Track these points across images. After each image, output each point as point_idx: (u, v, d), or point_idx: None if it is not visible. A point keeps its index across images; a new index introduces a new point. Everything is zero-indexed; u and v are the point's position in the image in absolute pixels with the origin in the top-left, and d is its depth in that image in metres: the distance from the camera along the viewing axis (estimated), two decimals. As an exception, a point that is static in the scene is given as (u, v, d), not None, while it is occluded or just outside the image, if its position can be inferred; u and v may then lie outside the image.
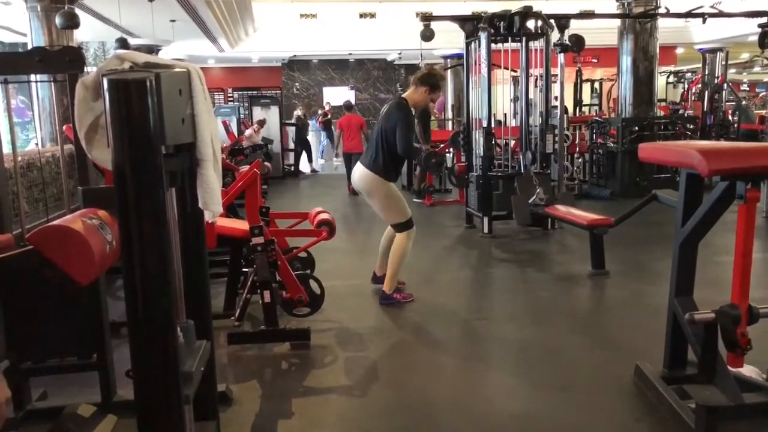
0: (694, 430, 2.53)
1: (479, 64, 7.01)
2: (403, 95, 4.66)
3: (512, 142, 7.76)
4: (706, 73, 13.15)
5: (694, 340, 2.80)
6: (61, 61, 3.07)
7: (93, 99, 1.78)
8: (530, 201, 6.45)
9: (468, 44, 7.36)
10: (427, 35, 8.30)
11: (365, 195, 4.60)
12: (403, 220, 4.48)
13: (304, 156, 13.94)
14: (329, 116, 16.33)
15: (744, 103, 12.80)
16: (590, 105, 14.49)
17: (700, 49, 13.71)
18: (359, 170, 4.55)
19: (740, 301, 2.62)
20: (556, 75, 7.67)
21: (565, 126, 8.35)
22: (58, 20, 7.03)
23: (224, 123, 11.97)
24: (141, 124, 1.52)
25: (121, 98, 1.51)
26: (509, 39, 7.08)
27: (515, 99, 7.92)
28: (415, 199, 9.24)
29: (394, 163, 4.52)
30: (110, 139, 1.54)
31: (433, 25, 8.21)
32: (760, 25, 8.89)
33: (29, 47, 7.53)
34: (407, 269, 5.17)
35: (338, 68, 20.78)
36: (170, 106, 1.61)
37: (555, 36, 7.30)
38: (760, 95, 15.86)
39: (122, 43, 9.31)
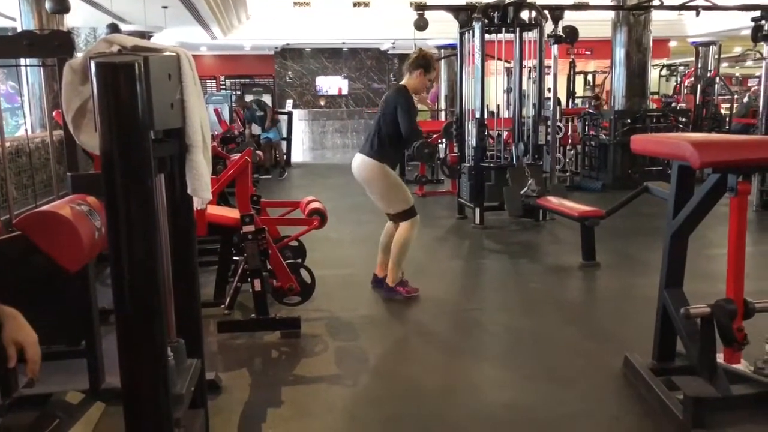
0: (682, 420, 2.54)
1: (473, 55, 6.99)
2: (401, 83, 4.51)
3: (505, 134, 7.75)
4: (699, 66, 13.15)
5: (683, 333, 2.80)
6: (49, 46, 3.04)
7: (81, 83, 1.76)
8: (522, 192, 6.44)
9: (462, 34, 7.33)
10: (421, 25, 8.26)
11: (365, 184, 4.45)
12: (406, 207, 4.34)
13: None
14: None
15: (747, 97, 12.81)
16: (583, 97, 14.49)
17: (693, 42, 13.71)
18: (358, 159, 4.41)
19: (735, 295, 2.62)
20: (550, 66, 7.66)
21: (557, 118, 8.35)
22: (48, 5, 6.94)
23: (216, 111, 11.88)
24: (129, 109, 1.49)
25: (108, 82, 1.48)
26: (503, 29, 7.06)
27: (508, 90, 7.91)
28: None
29: (393, 149, 4.39)
30: (98, 124, 1.52)
31: (427, 14, 8.17)
32: (753, 19, 8.89)
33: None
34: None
35: (331, 57, 20.65)
36: (159, 91, 1.59)
37: (549, 27, 7.28)
38: (753, 89, 15.90)
39: (113, 29, 9.20)
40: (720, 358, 2.68)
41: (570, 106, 12.68)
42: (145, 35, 11.79)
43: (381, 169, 4.31)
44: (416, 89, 4.43)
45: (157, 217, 1.65)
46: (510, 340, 3.74)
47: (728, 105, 12.90)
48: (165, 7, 11.11)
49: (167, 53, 1.76)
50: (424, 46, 12.32)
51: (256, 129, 12.29)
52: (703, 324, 2.62)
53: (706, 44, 12.95)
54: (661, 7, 8.92)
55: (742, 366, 2.78)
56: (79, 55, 1.91)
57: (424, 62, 4.39)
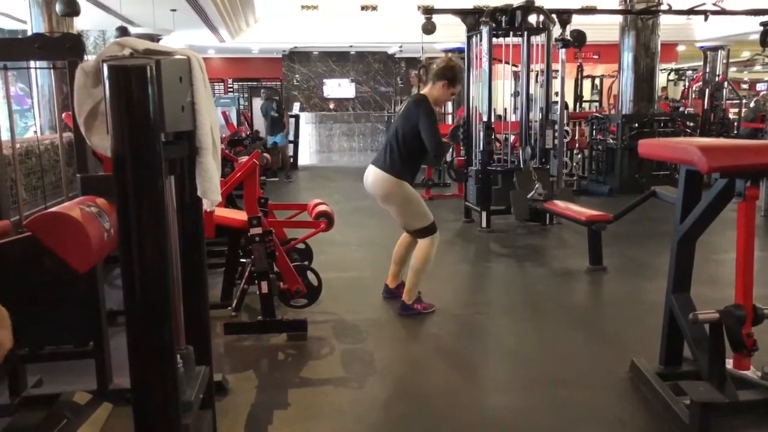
0: (689, 426, 2.53)
1: (480, 59, 7.00)
2: (422, 92, 4.21)
3: (512, 137, 7.76)
4: (707, 71, 13.12)
5: (690, 338, 2.80)
6: (60, 48, 3.06)
7: (93, 85, 1.77)
8: (529, 196, 6.45)
9: (469, 38, 7.34)
10: (429, 28, 8.27)
11: (380, 200, 4.18)
12: (426, 224, 4.10)
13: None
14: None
15: (755, 102, 12.80)
16: (590, 101, 14.47)
17: (702, 46, 13.68)
18: (372, 173, 4.12)
19: (744, 300, 2.61)
20: (557, 70, 7.67)
21: (565, 122, 8.35)
22: (58, 7, 7.00)
23: (224, 114, 11.94)
24: (141, 111, 1.50)
25: (120, 84, 1.49)
26: (511, 33, 7.07)
27: (516, 94, 7.92)
28: None
29: (410, 163, 4.12)
30: (109, 126, 1.53)
31: (435, 18, 8.18)
32: (761, 24, 8.88)
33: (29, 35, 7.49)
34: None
35: (339, 60, 20.67)
36: (170, 93, 1.60)
37: (557, 31, 7.29)
38: (761, 93, 15.87)
39: (122, 32, 9.27)
40: (728, 364, 2.67)
41: (577, 110, 12.68)
42: (153, 38, 11.87)
43: (399, 186, 4.05)
44: (438, 101, 4.18)
45: (167, 219, 1.65)
46: (515, 343, 3.74)
47: (736, 110, 12.86)
48: (174, 10, 11.17)
49: (178, 56, 1.77)
50: (432, 49, 12.32)
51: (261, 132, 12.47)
52: (712, 330, 2.60)
53: (715, 49, 12.93)
54: (670, 11, 8.93)
55: (750, 372, 2.77)
56: (89, 57, 1.92)
57: (451, 74, 4.09)
